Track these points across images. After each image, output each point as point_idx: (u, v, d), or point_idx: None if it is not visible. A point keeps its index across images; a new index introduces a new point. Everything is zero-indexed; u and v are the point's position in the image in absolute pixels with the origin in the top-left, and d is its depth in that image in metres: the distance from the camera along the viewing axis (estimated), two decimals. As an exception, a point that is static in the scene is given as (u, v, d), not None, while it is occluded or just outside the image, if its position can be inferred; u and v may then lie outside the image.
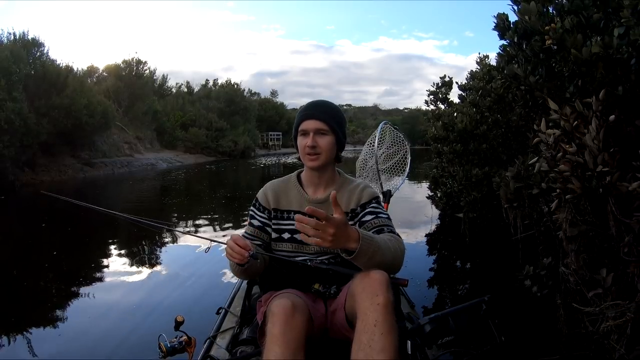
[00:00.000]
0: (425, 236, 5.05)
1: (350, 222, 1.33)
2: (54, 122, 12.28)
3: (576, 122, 1.45)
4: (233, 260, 1.18)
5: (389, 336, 1.02)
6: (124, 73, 20.23)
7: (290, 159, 22.69)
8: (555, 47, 1.71)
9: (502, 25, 2.13)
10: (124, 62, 20.68)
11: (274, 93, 49.76)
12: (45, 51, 13.40)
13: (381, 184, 2.46)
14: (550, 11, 1.86)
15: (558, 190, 1.50)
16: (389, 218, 1.37)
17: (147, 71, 21.75)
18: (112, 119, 15.78)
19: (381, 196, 2.35)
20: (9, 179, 10.37)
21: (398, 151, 2.56)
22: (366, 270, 1.12)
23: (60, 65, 13.90)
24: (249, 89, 36.17)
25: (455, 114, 3.51)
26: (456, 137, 3.26)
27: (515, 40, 2.08)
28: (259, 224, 1.43)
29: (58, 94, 12.63)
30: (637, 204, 1.44)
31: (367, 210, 1.36)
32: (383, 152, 2.55)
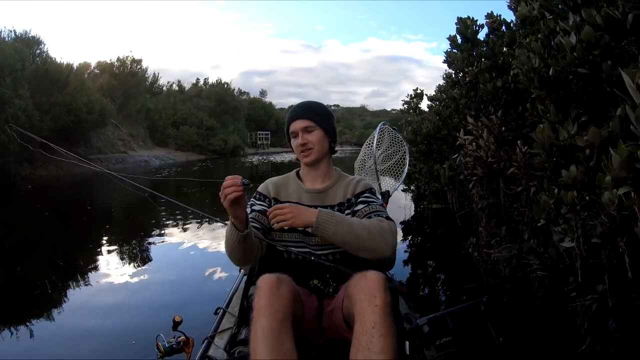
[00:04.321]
0: (418, 232, 5.36)
1: (347, 211, 1.42)
2: (56, 118, 12.83)
3: (482, 131, 2.31)
4: (227, 194, 1.12)
5: (388, 338, 1.04)
6: (117, 71, 20.45)
7: (279, 158, 23.13)
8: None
9: (448, 59, 3.00)
10: (119, 60, 20.91)
11: (263, 93, 50.23)
12: (45, 49, 13.79)
13: (380, 184, 2.51)
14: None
15: (470, 175, 2.36)
16: (382, 206, 1.40)
17: (141, 70, 22.01)
18: (108, 116, 16.37)
19: (380, 196, 2.58)
20: (10, 173, 10.86)
21: (396, 152, 2.58)
22: (363, 272, 1.15)
23: (62, 63, 14.30)
24: (238, 89, 36.56)
25: (422, 121, 4.37)
26: (422, 140, 4.10)
27: (458, 71, 2.97)
28: (260, 208, 1.45)
29: (60, 92, 13.17)
30: (519, 182, 2.31)
31: (360, 199, 1.41)
32: (382, 153, 2.57)
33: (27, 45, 12.89)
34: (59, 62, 14.19)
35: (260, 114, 36.12)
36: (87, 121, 14.30)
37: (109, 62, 21.12)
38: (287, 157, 23.20)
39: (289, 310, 1.11)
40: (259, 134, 34.12)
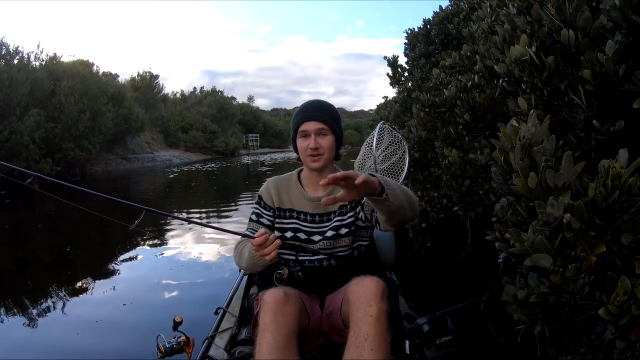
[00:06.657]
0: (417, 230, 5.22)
1: (350, 213, 1.37)
2: (116, 126, 16.10)
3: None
4: (269, 256, 1.14)
5: (379, 351, 1.02)
6: (139, 85, 24.03)
7: (266, 158, 25.01)
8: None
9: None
10: (139, 75, 24.94)
11: (250, 98, 55.14)
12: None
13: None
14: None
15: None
16: None
17: (157, 84, 25.78)
18: (145, 124, 20.25)
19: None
20: (86, 168, 14.01)
21: (396, 151, 2.52)
22: (361, 277, 1.15)
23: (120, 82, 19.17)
24: (231, 96, 39.90)
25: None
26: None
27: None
28: (268, 222, 1.42)
29: (119, 105, 16.86)
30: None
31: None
32: (381, 153, 2.51)
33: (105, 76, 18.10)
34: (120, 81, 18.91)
35: (249, 118, 39.32)
36: (133, 128, 18.16)
37: (131, 76, 24.99)
38: (273, 157, 26.07)
39: (295, 327, 1.10)
40: (249, 137, 37.39)
